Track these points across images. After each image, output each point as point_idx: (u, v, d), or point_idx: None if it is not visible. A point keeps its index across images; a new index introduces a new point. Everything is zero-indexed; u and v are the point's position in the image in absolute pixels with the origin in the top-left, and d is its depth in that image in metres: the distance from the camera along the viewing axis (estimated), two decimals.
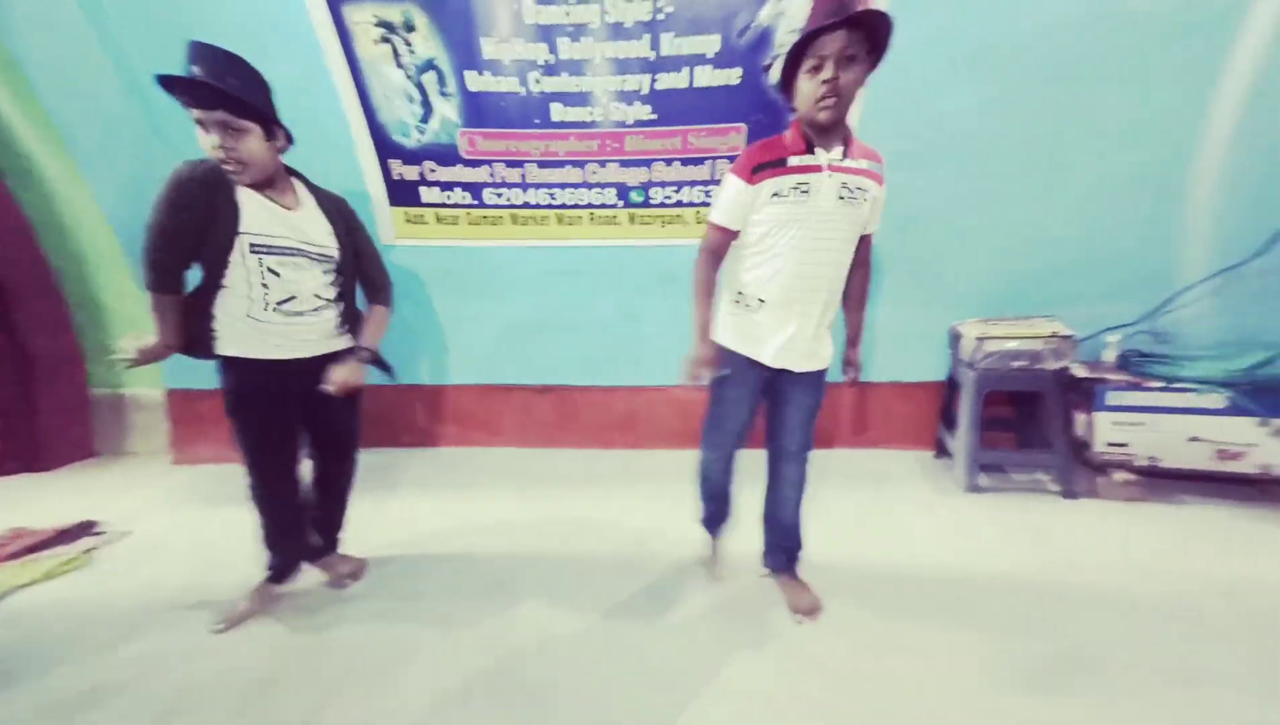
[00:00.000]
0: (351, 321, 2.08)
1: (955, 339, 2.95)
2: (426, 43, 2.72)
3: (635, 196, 3.01)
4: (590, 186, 3.00)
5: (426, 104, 2.84)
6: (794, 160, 1.74)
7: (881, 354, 3.15)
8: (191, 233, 1.74)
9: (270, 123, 1.75)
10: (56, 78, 2.70)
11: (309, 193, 1.96)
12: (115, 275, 3.19)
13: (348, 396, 2.07)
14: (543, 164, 2.97)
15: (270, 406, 1.99)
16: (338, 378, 1.97)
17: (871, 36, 1.60)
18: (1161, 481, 2.77)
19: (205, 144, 1.69)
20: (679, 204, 3.01)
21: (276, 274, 1.83)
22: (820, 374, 1.99)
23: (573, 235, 3.10)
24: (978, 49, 2.55)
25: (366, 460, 3.22)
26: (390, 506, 2.80)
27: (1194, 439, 2.62)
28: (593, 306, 3.19)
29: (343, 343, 2.06)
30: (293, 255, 1.85)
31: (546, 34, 2.71)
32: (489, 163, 2.98)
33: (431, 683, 1.84)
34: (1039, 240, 2.84)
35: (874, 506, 2.72)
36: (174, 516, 2.76)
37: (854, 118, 2.69)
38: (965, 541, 2.44)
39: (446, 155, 2.97)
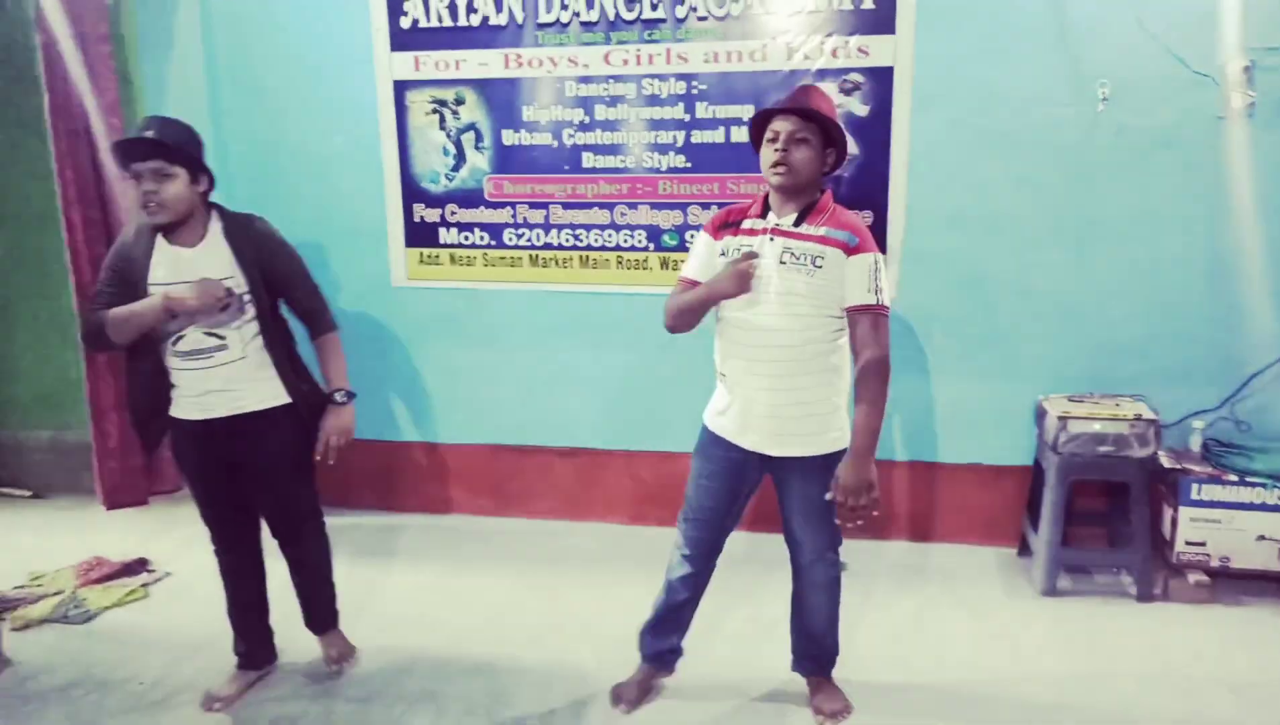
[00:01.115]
0: (281, 365, 2.59)
1: (1040, 416, 3.47)
2: (473, 112, 3.80)
3: (668, 240, 3.73)
4: (619, 228, 3.77)
5: (460, 156, 3.86)
6: (748, 222, 2.41)
7: (956, 431, 3.74)
8: (113, 287, 2.52)
9: (195, 168, 2.51)
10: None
11: (218, 223, 2.55)
12: None
13: (296, 460, 2.65)
14: (568, 205, 3.79)
15: (204, 476, 2.63)
16: (328, 433, 2.61)
17: (825, 133, 2.30)
18: (1225, 581, 3.32)
19: (134, 195, 2.50)
20: None
21: (173, 316, 2.46)
22: (823, 461, 2.37)
23: (597, 280, 3.85)
24: (999, 132, 3.50)
25: (361, 523, 4.01)
26: (385, 582, 3.57)
27: (1261, 538, 3.14)
28: (618, 360, 3.94)
29: (267, 397, 2.58)
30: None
31: (585, 102, 3.71)
32: (512, 205, 3.85)
33: None
34: (1109, 314, 3.52)
35: (927, 612, 3.28)
36: (201, 562, 3.52)
37: (899, 179, 3.54)
38: (1023, 653, 3.00)
39: (471, 198, 3.91)
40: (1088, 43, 3.29)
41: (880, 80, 3.43)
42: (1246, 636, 3.04)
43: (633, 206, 3.75)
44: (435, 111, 3.81)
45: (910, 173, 3.50)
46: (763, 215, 2.38)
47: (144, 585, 3.53)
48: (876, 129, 3.49)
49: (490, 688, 2.80)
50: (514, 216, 3.84)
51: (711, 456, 2.51)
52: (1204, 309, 3.43)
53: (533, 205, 3.82)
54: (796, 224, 2.32)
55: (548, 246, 3.85)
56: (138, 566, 3.68)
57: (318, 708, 2.71)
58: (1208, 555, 3.24)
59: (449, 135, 3.82)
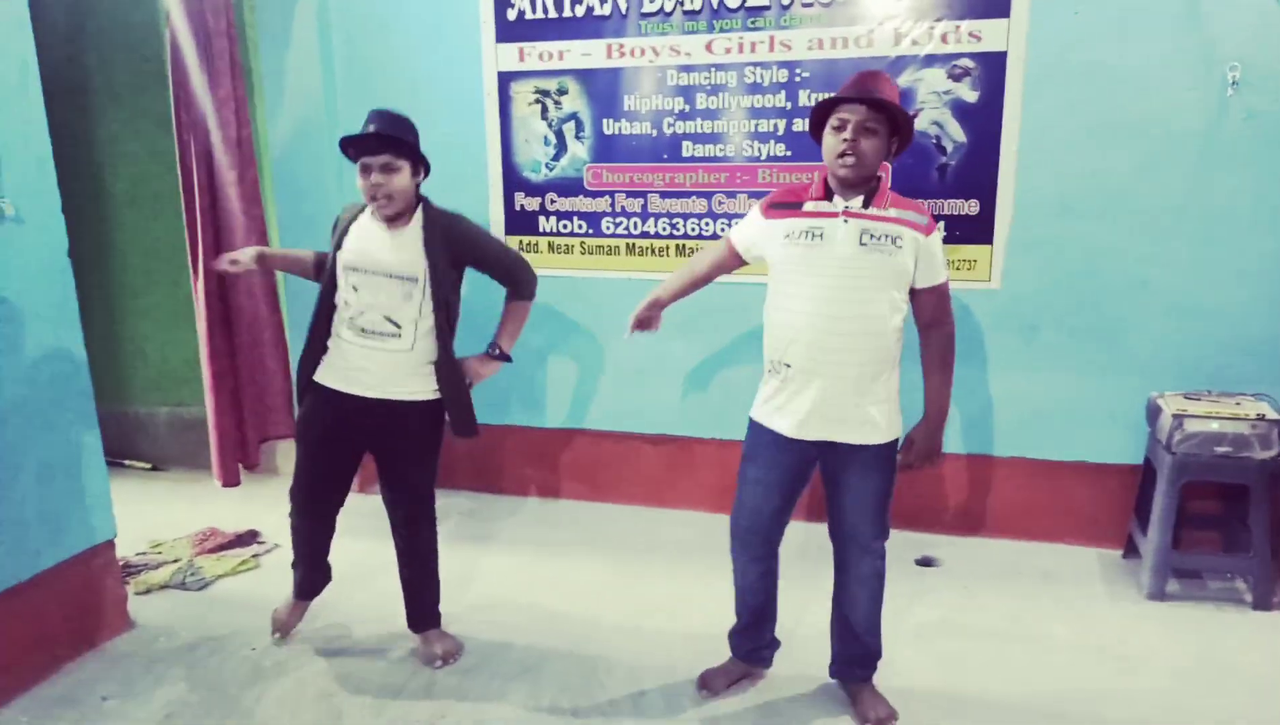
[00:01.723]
0: (442, 370, 2.70)
1: (1154, 413, 3.35)
2: (574, 102, 3.86)
3: None
4: (717, 217, 3.77)
5: (561, 145, 3.92)
6: (810, 205, 2.36)
7: (1061, 427, 3.62)
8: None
9: (417, 161, 2.67)
10: (286, 139, 4.22)
11: (422, 215, 2.68)
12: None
13: (421, 453, 2.78)
14: (666, 194, 3.80)
15: (323, 440, 2.77)
16: (467, 369, 2.79)
17: (892, 120, 2.25)
18: None
19: (362, 184, 2.62)
20: None
21: (356, 291, 2.68)
22: (879, 449, 2.38)
23: None
24: (1117, 118, 3.39)
25: (454, 503, 4.11)
26: (483, 561, 3.68)
27: None
28: (712, 348, 3.94)
29: (416, 392, 2.71)
30: (374, 274, 2.64)
31: (686, 91, 3.73)
32: (611, 194, 3.89)
33: None
34: (1230, 310, 3.37)
35: (1025, 612, 3.18)
36: None
37: (1008, 166, 3.45)
38: (1129, 660, 2.90)
39: (570, 187, 3.97)
40: (1216, 22, 3.14)
41: (991, 65, 3.34)
42: None
43: (731, 195, 3.74)
44: (538, 101, 3.87)
45: (1020, 160, 3.40)
46: (826, 197, 2.33)
47: (255, 556, 3.70)
48: (986, 115, 3.40)
49: (583, 669, 2.84)
50: (612, 205, 3.88)
51: (768, 458, 2.47)
52: None
53: (630, 194, 3.85)
54: (865, 206, 2.29)
55: (645, 235, 3.88)
56: (249, 538, 3.87)
57: (419, 680, 2.79)
58: None
59: (550, 125, 3.88)
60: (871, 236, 2.28)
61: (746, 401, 4.02)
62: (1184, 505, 3.27)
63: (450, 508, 4.09)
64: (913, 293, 2.36)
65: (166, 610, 3.24)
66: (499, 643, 3.00)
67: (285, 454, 4.63)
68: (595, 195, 3.89)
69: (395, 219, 2.65)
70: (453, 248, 2.68)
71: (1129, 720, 2.56)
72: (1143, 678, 2.77)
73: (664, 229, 3.85)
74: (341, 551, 3.04)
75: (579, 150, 3.87)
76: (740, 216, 3.73)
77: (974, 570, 3.45)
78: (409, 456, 2.80)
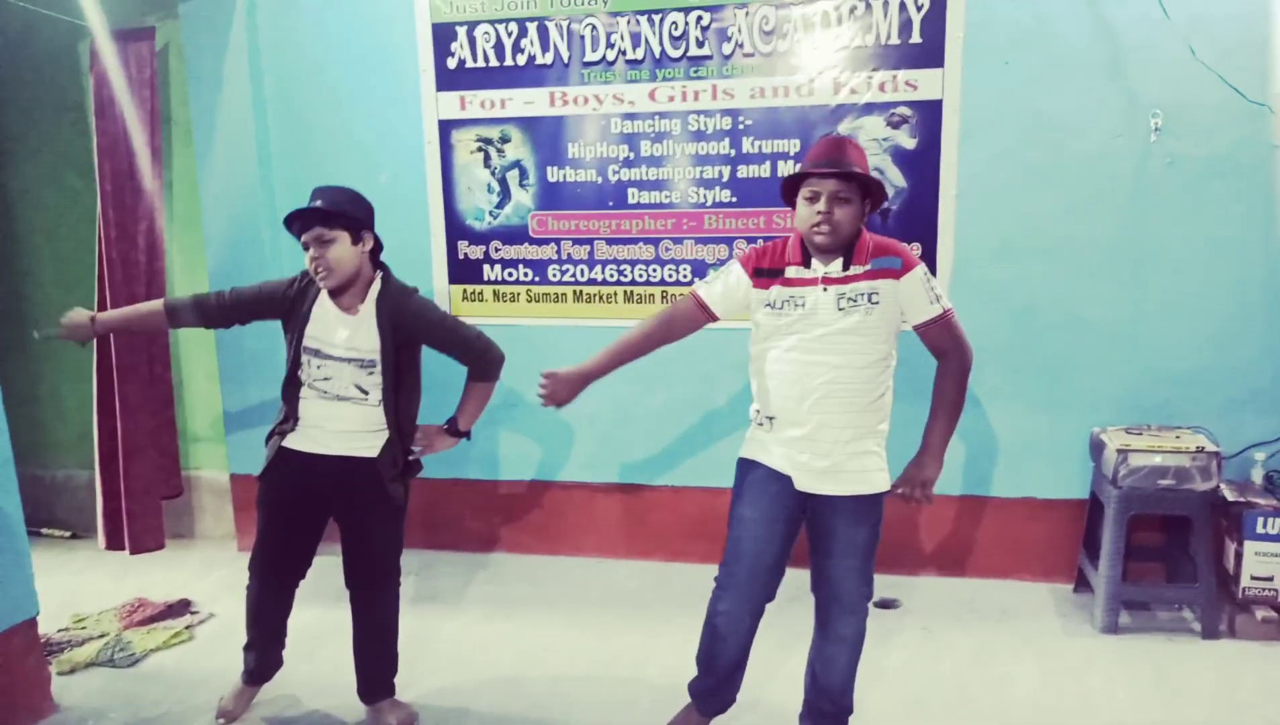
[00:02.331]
0: (395, 436, 2.67)
1: (1097, 448, 3.43)
2: (518, 149, 3.83)
3: (714, 274, 3.67)
4: (664, 264, 3.75)
5: (505, 193, 3.88)
6: (791, 271, 2.35)
7: (1007, 464, 3.67)
8: (250, 307, 2.72)
9: (359, 231, 2.61)
10: (216, 190, 4.09)
11: (376, 296, 2.65)
12: (208, 363, 4.32)
13: (386, 513, 2.70)
14: (612, 241, 3.79)
15: (286, 502, 2.68)
16: (423, 436, 2.73)
17: (864, 185, 2.28)
18: None
19: (307, 261, 2.58)
20: None
21: (320, 369, 2.65)
22: (867, 501, 2.35)
23: (642, 316, 3.77)
24: (1049, 163, 3.49)
25: (405, 560, 3.96)
26: (433, 622, 3.54)
27: None
28: (664, 395, 3.91)
29: (374, 450, 2.66)
30: (334, 359, 2.63)
31: (630, 139, 3.73)
32: (557, 241, 3.85)
33: None
34: (1165, 345, 3.49)
35: (986, 650, 3.20)
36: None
37: (948, 210, 3.54)
38: (1091, 694, 2.92)
39: (515, 234, 3.92)
40: (1139, 72, 3.28)
41: (928, 113, 3.43)
42: None
43: (678, 241, 3.74)
44: (480, 150, 3.83)
45: (959, 204, 3.48)
46: (805, 263, 2.33)
47: (188, 627, 3.49)
48: (924, 161, 3.48)
49: None
50: (558, 253, 3.85)
51: (761, 492, 2.42)
52: (1261, 338, 3.40)
53: (577, 241, 3.82)
54: (844, 268, 2.29)
55: (591, 282, 3.85)
56: (180, 608, 3.66)
57: None
58: (1275, 590, 3.17)
59: (493, 173, 3.84)
60: (849, 300, 2.29)
61: (698, 446, 4.06)
62: (1128, 537, 3.32)
63: None
64: (917, 331, 2.37)
65: (94, 690, 3.02)
66: (455, 708, 2.88)
67: (215, 515, 4.44)
68: (541, 242, 3.85)
69: (342, 293, 2.62)
70: (402, 327, 2.65)
71: None
72: (1105, 712, 2.79)
73: (611, 276, 3.82)
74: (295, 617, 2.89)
75: (523, 198, 3.84)
76: (687, 262, 3.77)
77: (932, 610, 3.45)
78: (372, 517, 2.70)
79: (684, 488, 3.97)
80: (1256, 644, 3.16)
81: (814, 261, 2.32)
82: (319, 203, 2.55)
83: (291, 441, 2.68)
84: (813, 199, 2.25)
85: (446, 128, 3.84)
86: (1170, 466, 3.18)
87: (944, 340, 2.37)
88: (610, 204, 3.76)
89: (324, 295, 2.64)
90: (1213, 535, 3.24)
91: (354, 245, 2.57)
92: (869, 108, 3.47)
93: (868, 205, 2.32)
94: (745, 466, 2.48)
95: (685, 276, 3.76)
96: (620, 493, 4.04)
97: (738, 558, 2.45)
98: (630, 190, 3.73)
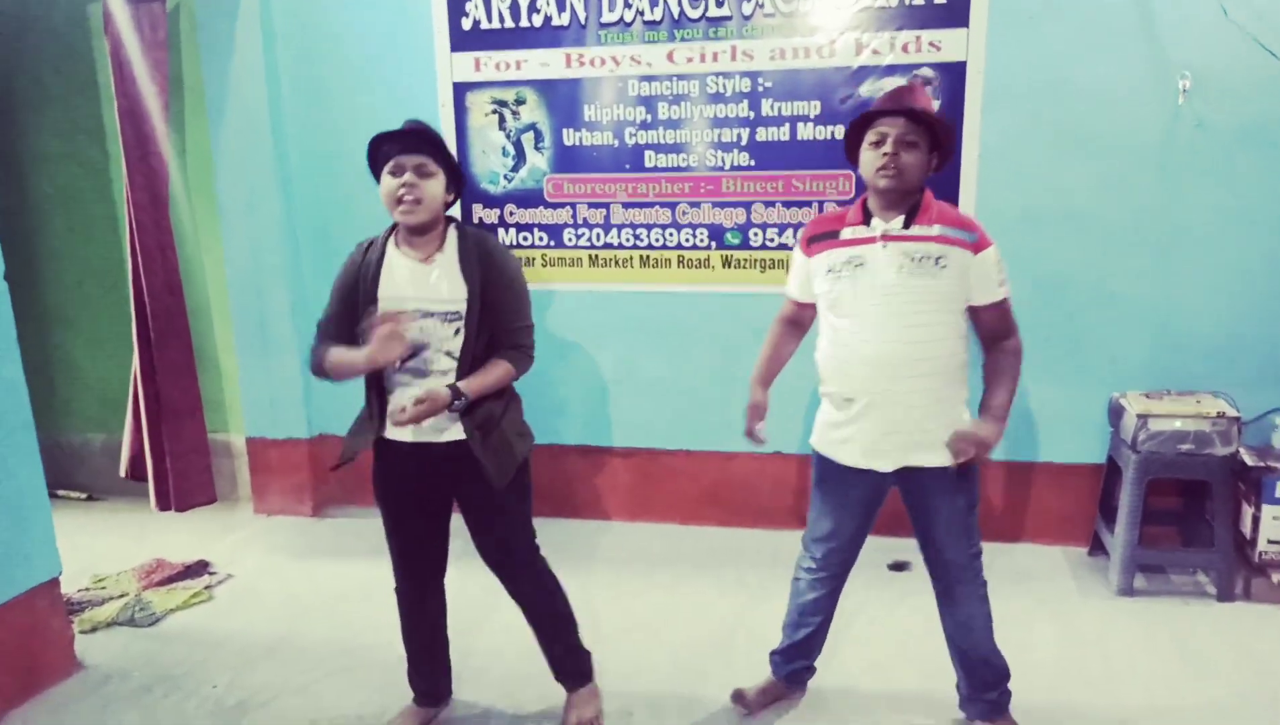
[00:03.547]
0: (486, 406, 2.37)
1: (1116, 414, 3.40)
2: (533, 112, 3.77)
3: (731, 238, 3.67)
4: (680, 227, 3.72)
5: (520, 156, 3.82)
6: (848, 232, 2.27)
7: (1026, 429, 3.65)
8: (346, 302, 2.38)
9: (453, 176, 2.37)
10: (230, 159, 4.02)
11: (455, 239, 2.40)
12: (225, 331, 4.31)
13: (500, 503, 2.42)
14: (629, 205, 3.75)
15: (399, 498, 2.46)
16: (423, 394, 2.25)
17: (931, 132, 2.19)
18: None
19: (388, 187, 2.27)
20: (782, 247, 3.65)
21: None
22: (957, 470, 2.28)
23: (658, 279, 3.82)
24: (1075, 129, 3.43)
25: None
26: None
27: None
28: (679, 360, 3.89)
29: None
30: (420, 317, 2.32)
31: (647, 101, 3.67)
32: (572, 205, 3.80)
33: None
34: (1188, 314, 3.46)
35: (1003, 612, 3.14)
36: (263, 565, 3.79)
37: (969, 176, 3.47)
38: (1110, 657, 2.93)
39: (530, 198, 3.87)
40: (1170, 35, 3.22)
41: (952, 75, 3.37)
42: None
43: (695, 205, 3.70)
44: (495, 112, 3.78)
45: (981, 169, 3.43)
46: (865, 222, 2.24)
47: (207, 588, 3.51)
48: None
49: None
50: (573, 217, 3.81)
51: (837, 488, 2.40)
52: None
53: (592, 205, 3.78)
54: (906, 226, 2.20)
55: (607, 246, 3.81)
56: (199, 568, 3.68)
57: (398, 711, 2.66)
58: None
59: (508, 136, 3.79)
60: (912, 259, 2.20)
61: (716, 411, 4.05)
62: (1145, 502, 3.32)
63: None
64: (971, 311, 2.28)
65: (116, 650, 3.05)
66: (477, 668, 2.89)
67: (231, 479, 4.44)
68: (556, 206, 3.81)
69: (419, 235, 2.35)
70: (490, 271, 2.36)
71: (1120, 717, 2.57)
72: (1126, 674, 2.80)
73: (627, 240, 3.79)
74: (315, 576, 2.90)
75: (539, 161, 3.79)
76: (704, 226, 3.74)
77: None
78: (493, 509, 2.47)
79: (698, 452, 3.97)
80: (1272, 607, 3.17)
81: (874, 220, 2.23)
82: (416, 129, 2.32)
83: (394, 433, 2.38)
84: (879, 143, 2.16)
85: (461, 90, 3.79)
86: (1190, 431, 3.16)
87: (1000, 325, 2.30)
88: (627, 167, 3.71)
89: (392, 252, 2.37)
90: (1231, 499, 3.22)
91: (445, 192, 2.35)
92: (891, 69, 3.41)
93: (934, 160, 2.22)
94: (821, 461, 2.43)
95: (702, 241, 3.72)
96: (635, 457, 4.03)
97: (818, 532, 2.49)
98: (647, 153, 3.68)
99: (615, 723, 2.60)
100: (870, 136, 2.20)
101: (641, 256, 3.80)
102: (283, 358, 4.11)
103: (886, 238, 2.21)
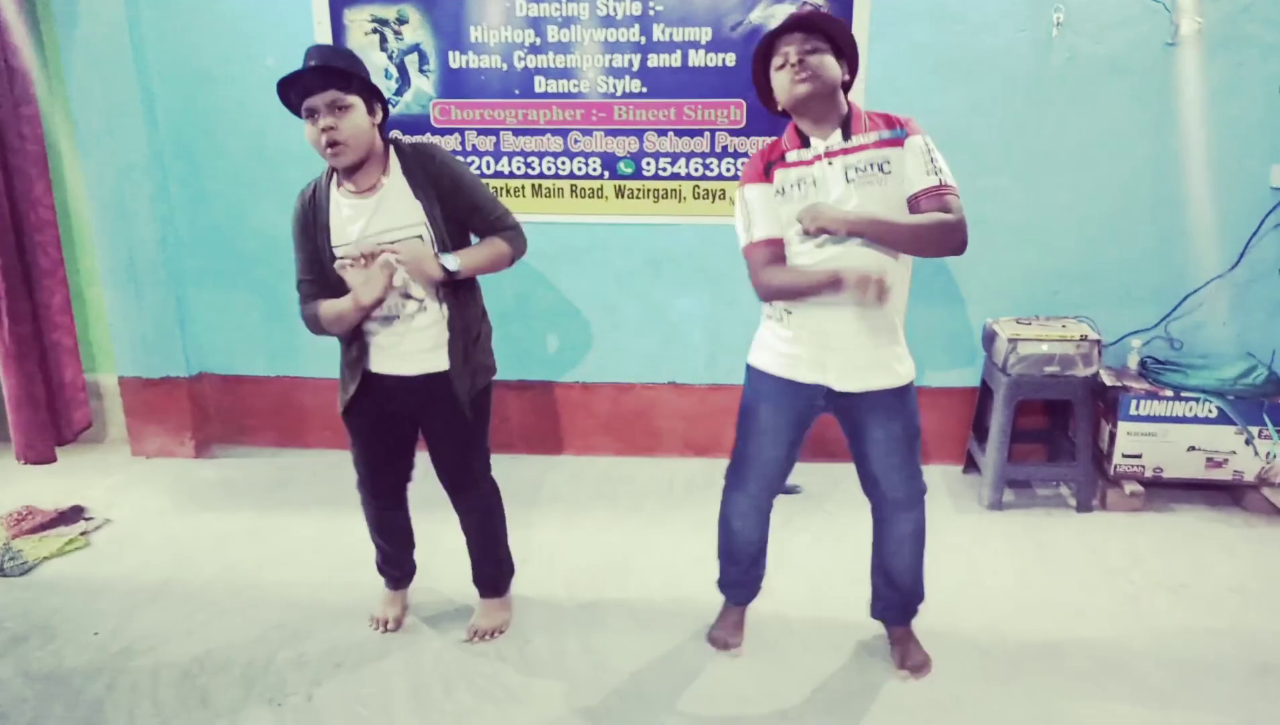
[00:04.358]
0: (456, 329, 2.39)
1: (989, 339, 3.56)
2: (416, 32, 3.60)
3: (624, 167, 3.65)
4: (573, 156, 3.66)
5: (404, 80, 3.65)
6: (792, 155, 2.23)
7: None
8: (310, 255, 2.35)
9: (371, 97, 2.24)
10: (85, 76, 3.73)
11: (397, 161, 2.32)
12: (92, 269, 4.07)
13: (464, 426, 2.49)
14: (519, 132, 3.66)
15: (375, 423, 2.52)
16: (403, 250, 2.24)
17: (830, 37, 2.18)
18: (1156, 490, 3.58)
19: (310, 135, 2.19)
20: (675, 176, 3.65)
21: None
22: (899, 393, 2.27)
23: (551, 209, 3.77)
24: (956, 58, 3.52)
25: (297, 462, 3.97)
26: (441, 532, 3.43)
27: (1191, 448, 3.38)
28: (573, 291, 3.88)
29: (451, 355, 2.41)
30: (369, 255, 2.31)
31: (536, 23, 3.55)
32: (460, 131, 3.68)
33: None
34: (1055, 239, 3.63)
35: None
36: (142, 507, 3.66)
37: (858, 103, 3.42)
38: (979, 565, 3.13)
39: (416, 124, 3.72)
40: None
41: (840, 4, 3.38)
42: (1177, 541, 3.26)
43: (587, 133, 3.64)
44: (376, 32, 3.60)
45: (868, 98, 3.47)
46: (804, 144, 2.22)
47: (83, 533, 3.36)
48: None
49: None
50: (462, 143, 3.69)
51: (774, 406, 2.36)
52: (1145, 232, 3.56)
53: (482, 131, 3.68)
54: (845, 139, 2.17)
55: (498, 175, 3.72)
56: (73, 514, 3.52)
57: (289, 652, 2.63)
58: (1143, 467, 3.43)
59: (391, 57, 3.62)
60: (857, 170, 2.16)
61: (608, 341, 4.04)
62: (1014, 421, 3.51)
63: (299, 465, 3.89)
64: (911, 205, 2.17)
65: None
66: (462, 608, 2.86)
67: (104, 419, 4.26)
68: (444, 133, 3.69)
69: (359, 171, 2.27)
70: (442, 185, 2.31)
71: (984, 619, 2.76)
72: (991, 580, 3.00)
73: (518, 168, 3.71)
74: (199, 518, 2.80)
75: (424, 85, 3.65)
76: (596, 155, 3.69)
77: (833, 495, 3.60)
78: (457, 431, 2.52)
79: (596, 383, 3.99)
80: (1124, 515, 3.44)
81: (813, 140, 2.20)
82: (317, 62, 2.16)
83: (375, 366, 2.43)
84: (783, 64, 2.14)
85: (338, 6, 3.59)
86: (1056, 354, 3.35)
87: (939, 205, 2.13)
88: (516, 92, 3.61)
89: (335, 195, 2.30)
90: (1091, 417, 3.46)
91: (369, 115, 2.23)
92: None
93: (844, 67, 2.19)
94: (756, 377, 2.39)
95: (595, 169, 3.68)
96: (531, 390, 4.03)
97: (745, 462, 2.46)
98: (537, 78, 3.59)
99: (513, 646, 2.65)
100: (775, 61, 2.17)
101: (533, 186, 3.74)
102: (155, 292, 3.91)
103: (829, 154, 2.18)
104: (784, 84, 2.16)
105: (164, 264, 3.87)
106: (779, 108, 2.26)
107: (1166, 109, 3.41)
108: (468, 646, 2.66)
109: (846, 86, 2.24)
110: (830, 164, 2.18)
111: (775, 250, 2.23)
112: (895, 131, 2.17)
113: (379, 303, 2.26)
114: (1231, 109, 3.37)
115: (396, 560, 2.81)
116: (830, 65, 2.13)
